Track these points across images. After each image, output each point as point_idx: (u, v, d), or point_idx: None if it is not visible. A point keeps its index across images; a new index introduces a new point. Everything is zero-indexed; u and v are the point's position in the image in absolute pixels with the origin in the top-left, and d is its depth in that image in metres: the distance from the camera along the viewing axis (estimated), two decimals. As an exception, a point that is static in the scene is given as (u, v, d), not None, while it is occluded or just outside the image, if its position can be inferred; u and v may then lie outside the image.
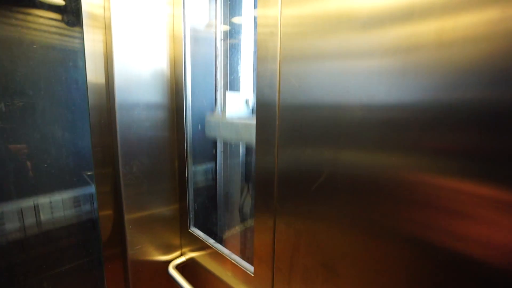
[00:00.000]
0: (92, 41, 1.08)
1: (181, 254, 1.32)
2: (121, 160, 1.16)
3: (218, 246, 1.15)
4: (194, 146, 1.28)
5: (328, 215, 0.67)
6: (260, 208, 0.85)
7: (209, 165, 1.40)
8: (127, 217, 1.17)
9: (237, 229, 1.37)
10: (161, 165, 1.25)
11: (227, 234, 1.40)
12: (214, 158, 1.40)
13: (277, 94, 0.75)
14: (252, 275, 0.95)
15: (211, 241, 1.18)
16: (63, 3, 1.11)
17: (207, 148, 1.38)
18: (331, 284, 0.69)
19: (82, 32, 1.06)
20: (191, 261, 1.26)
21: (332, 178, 0.65)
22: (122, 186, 1.17)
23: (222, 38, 1.32)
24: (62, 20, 1.13)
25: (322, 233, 0.69)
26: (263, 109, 0.80)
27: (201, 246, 1.20)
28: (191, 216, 1.28)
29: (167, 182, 1.27)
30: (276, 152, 0.77)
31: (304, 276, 0.75)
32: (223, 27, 1.33)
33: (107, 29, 1.08)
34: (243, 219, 1.36)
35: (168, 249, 1.28)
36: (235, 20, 1.34)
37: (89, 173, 1.23)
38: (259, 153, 0.83)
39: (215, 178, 1.41)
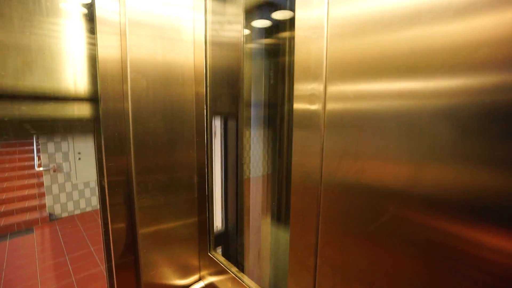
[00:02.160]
0: (106, 47, 0.97)
1: (200, 279, 1.21)
2: (135, 178, 1.04)
3: (242, 277, 1.04)
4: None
5: (392, 264, 0.51)
6: (296, 243, 0.70)
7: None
8: (141, 231, 1.06)
9: (264, 259, 1.26)
10: (179, 182, 1.13)
11: (252, 264, 1.29)
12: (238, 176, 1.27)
13: (322, 106, 0.60)
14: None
15: (234, 270, 1.08)
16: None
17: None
18: None
19: (95, 39, 0.96)
20: (210, 286, 1.16)
21: (401, 212, 0.49)
22: (137, 207, 1.05)
23: (244, 42, 1.19)
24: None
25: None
26: (302, 124, 0.65)
27: (222, 271, 1.10)
28: (211, 238, 1.17)
29: (185, 200, 1.15)
30: (320, 177, 0.62)
31: None
32: (247, 32, 1.21)
33: (122, 35, 0.97)
34: (272, 249, 1.25)
35: (186, 271, 1.17)
36: (261, 23, 1.22)
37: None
38: (297, 177, 0.68)
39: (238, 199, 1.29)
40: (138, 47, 0.97)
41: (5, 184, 7.23)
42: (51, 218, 6.80)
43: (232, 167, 1.30)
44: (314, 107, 0.62)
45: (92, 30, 0.99)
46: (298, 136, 0.66)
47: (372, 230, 0.53)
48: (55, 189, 6.89)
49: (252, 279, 1.04)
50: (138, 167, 1.04)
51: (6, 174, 7.49)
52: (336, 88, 0.58)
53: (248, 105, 1.27)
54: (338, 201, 0.59)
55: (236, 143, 1.28)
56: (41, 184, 7.19)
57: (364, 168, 0.54)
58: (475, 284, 0.42)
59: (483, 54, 0.38)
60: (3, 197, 6.83)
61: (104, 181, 1.04)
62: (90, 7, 0.98)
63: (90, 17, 0.99)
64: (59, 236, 5.86)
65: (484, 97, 0.39)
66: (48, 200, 6.80)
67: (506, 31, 0.37)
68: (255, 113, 1.29)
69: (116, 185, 1.06)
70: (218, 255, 1.15)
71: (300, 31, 0.64)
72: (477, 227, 0.41)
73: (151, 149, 1.06)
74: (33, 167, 7.72)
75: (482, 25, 0.38)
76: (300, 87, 0.65)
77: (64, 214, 7.05)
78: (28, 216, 6.44)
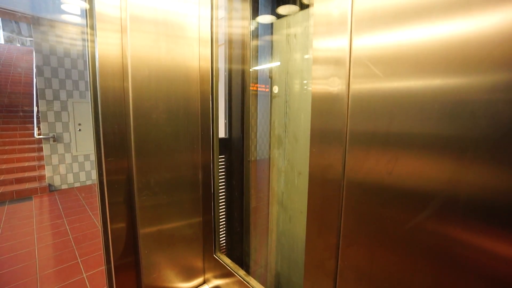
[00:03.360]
0: (106, 44, 0.91)
1: (204, 282, 1.14)
2: (136, 172, 0.96)
3: (250, 281, 0.97)
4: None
5: (432, 271, 0.43)
6: (313, 243, 0.62)
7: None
8: (142, 231, 0.99)
9: (273, 261, 1.19)
10: (183, 179, 1.04)
11: (260, 266, 1.22)
12: (244, 175, 1.18)
13: (346, 83, 0.50)
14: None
15: (241, 273, 1.01)
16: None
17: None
18: None
19: (95, 35, 0.91)
20: (216, 289, 1.10)
21: (445, 212, 0.40)
22: (138, 206, 0.97)
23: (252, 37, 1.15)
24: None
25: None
26: (323, 108, 0.55)
27: (228, 274, 1.03)
28: (217, 239, 1.09)
29: (189, 199, 1.06)
30: (343, 167, 0.53)
31: None
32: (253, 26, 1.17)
33: (123, 31, 0.92)
34: (283, 249, 1.17)
35: (190, 274, 1.10)
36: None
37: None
38: (315, 168, 0.58)
39: (244, 198, 1.20)
40: (139, 44, 0.91)
41: (5, 156, 7.22)
42: (51, 189, 6.79)
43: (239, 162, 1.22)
44: (335, 85, 0.52)
45: (91, 26, 0.93)
46: (316, 117, 0.57)
47: (407, 231, 0.45)
48: (54, 159, 6.85)
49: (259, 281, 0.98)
50: (139, 161, 0.96)
51: (6, 147, 7.48)
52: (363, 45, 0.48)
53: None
54: (365, 196, 0.50)
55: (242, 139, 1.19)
56: (41, 158, 7.20)
57: (397, 159, 0.45)
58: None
59: None
60: (3, 167, 6.83)
61: (103, 177, 0.96)
62: (90, 1, 0.92)
63: (90, 12, 0.93)
64: (58, 203, 5.89)
65: None
66: (47, 171, 6.77)
67: None
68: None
69: (115, 181, 0.98)
70: (224, 256, 1.08)
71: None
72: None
73: (153, 142, 0.97)
74: (33, 142, 7.76)
75: None
76: (320, 49, 0.55)
77: (64, 186, 7.04)
78: (27, 186, 6.46)
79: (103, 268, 3.37)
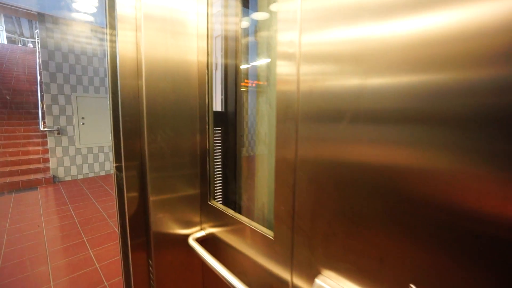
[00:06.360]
0: (125, 42, 1.09)
1: (201, 229, 1.37)
2: (147, 128, 1.17)
3: (237, 215, 1.16)
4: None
5: (350, 167, 0.64)
6: (280, 168, 0.83)
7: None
8: (152, 199, 1.21)
9: (257, 197, 1.41)
10: (184, 138, 1.26)
11: (247, 203, 1.44)
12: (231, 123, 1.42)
13: (297, 76, 0.72)
14: (272, 238, 0.92)
15: (230, 211, 1.21)
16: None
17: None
18: (356, 236, 0.65)
19: (116, 34, 1.08)
20: (210, 236, 1.31)
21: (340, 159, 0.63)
22: (147, 156, 1.18)
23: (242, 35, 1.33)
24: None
25: (345, 185, 0.66)
26: (283, 95, 0.77)
27: (220, 220, 1.24)
28: (211, 189, 1.31)
29: (188, 156, 1.28)
30: (296, 134, 0.76)
31: (326, 232, 0.72)
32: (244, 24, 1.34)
33: (137, 29, 1.09)
34: (264, 185, 1.39)
35: (189, 224, 1.33)
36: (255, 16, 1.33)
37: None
38: (280, 138, 0.81)
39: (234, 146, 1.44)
40: (151, 40, 1.06)
41: (10, 149, 7.45)
42: (55, 181, 7.01)
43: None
44: (290, 76, 0.74)
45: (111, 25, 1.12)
46: (279, 101, 0.79)
47: (332, 146, 0.67)
48: (58, 151, 7.06)
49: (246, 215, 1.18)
50: (150, 136, 1.18)
51: (12, 141, 7.71)
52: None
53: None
54: (310, 129, 0.72)
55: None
56: (45, 151, 7.42)
57: (320, 135, 0.68)
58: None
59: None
60: (8, 159, 7.05)
61: (121, 153, 1.19)
62: (112, 2, 1.10)
63: (110, 12, 1.11)
64: (62, 192, 6.13)
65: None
66: (52, 163, 6.99)
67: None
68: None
69: (131, 164, 1.22)
70: (216, 203, 1.29)
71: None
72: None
73: (162, 118, 1.19)
74: (37, 136, 7.98)
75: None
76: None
77: (68, 178, 7.26)
78: (32, 177, 6.68)
79: (108, 245, 3.61)
